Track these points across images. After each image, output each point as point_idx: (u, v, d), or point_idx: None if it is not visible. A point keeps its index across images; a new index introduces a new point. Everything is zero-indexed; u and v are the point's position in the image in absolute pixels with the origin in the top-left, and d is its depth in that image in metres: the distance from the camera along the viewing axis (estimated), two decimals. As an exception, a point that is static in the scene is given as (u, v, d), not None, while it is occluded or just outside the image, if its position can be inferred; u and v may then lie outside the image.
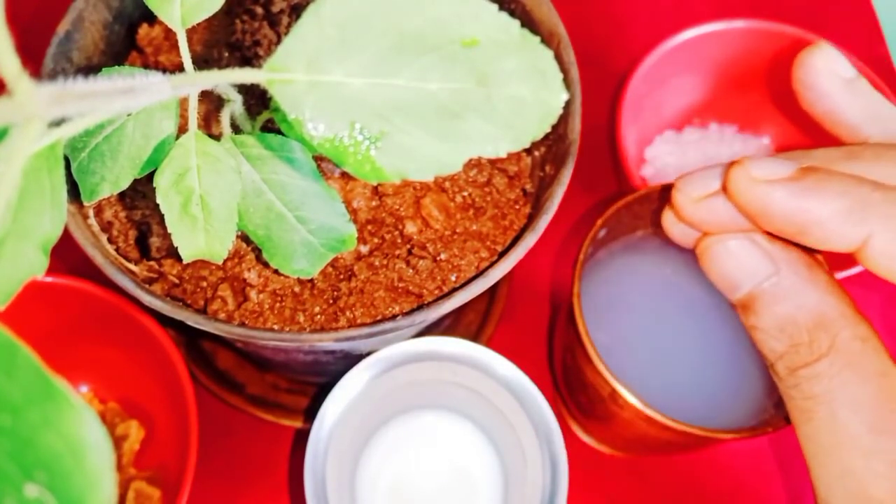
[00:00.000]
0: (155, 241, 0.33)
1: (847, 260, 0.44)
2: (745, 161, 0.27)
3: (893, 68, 0.57)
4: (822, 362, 0.27)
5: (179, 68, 0.35)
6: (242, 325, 0.31)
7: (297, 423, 0.44)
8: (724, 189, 0.28)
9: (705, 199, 0.29)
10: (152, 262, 0.33)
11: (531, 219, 0.34)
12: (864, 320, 0.27)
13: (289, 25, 0.37)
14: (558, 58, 0.28)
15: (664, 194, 0.37)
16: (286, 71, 0.21)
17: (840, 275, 0.42)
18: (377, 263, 0.32)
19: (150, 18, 0.37)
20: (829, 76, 0.31)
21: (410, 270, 0.32)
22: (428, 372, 0.37)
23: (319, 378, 0.44)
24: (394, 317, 0.31)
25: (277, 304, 0.32)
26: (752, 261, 0.28)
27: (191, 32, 0.36)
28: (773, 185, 0.26)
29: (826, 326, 0.27)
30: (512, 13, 0.32)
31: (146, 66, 0.37)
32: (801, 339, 0.27)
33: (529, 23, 0.35)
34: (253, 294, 0.32)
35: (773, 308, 0.27)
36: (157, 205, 0.28)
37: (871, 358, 0.26)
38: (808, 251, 0.29)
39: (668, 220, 0.31)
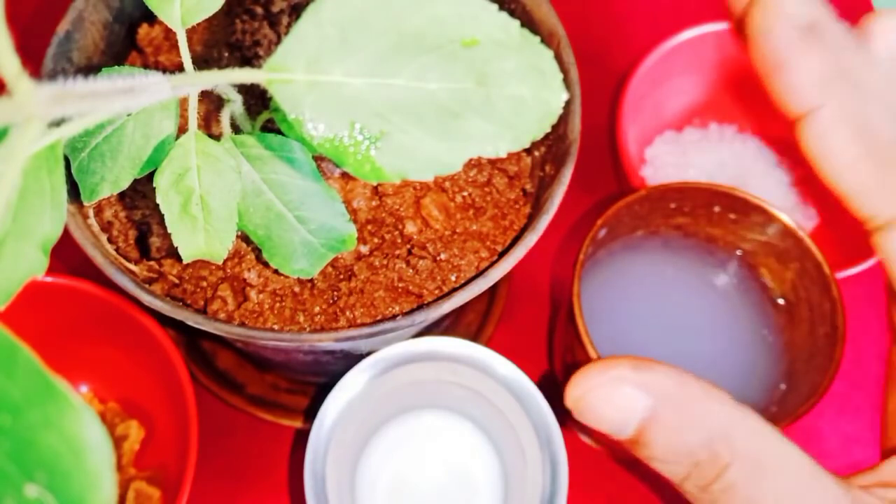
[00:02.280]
0: (155, 241, 0.33)
1: (848, 259, 0.43)
2: None
3: (893, 68, 0.57)
4: (730, 471, 0.27)
5: (179, 68, 0.35)
6: (242, 325, 0.31)
7: (297, 423, 0.44)
8: None
9: None
10: (152, 262, 0.33)
11: (531, 219, 0.34)
12: (750, 411, 0.28)
13: (289, 25, 0.37)
14: (558, 58, 0.28)
15: (664, 195, 0.37)
16: (286, 71, 0.21)
17: (842, 274, 0.42)
18: (377, 263, 0.32)
19: (150, 18, 0.37)
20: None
21: (410, 270, 0.32)
22: (428, 372, 0.37)
23: (319, 378, 0.44)
24: (394, 317, 0.31)
25: (277, 304, 0.32)
26: (626, 400, 0.28)
27: (191, 32, 0.36)
28: (785, 20, 0.27)
29: (718, 437, 0.27)
30: (512, 13, 0.32)
31: (146, 66, 0.37)
32: (700, 458, 0.27)
33: (529, 23, 0.35)
34: (253, 294, 0.32)
35: (663, 438, 0.28)
36: (157, 205, 0.28)
37: (771, 450, 0.27)
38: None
39: None
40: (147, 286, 0.31)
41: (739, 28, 0.29)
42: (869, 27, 0.31)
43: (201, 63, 0.37)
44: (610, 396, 0.28)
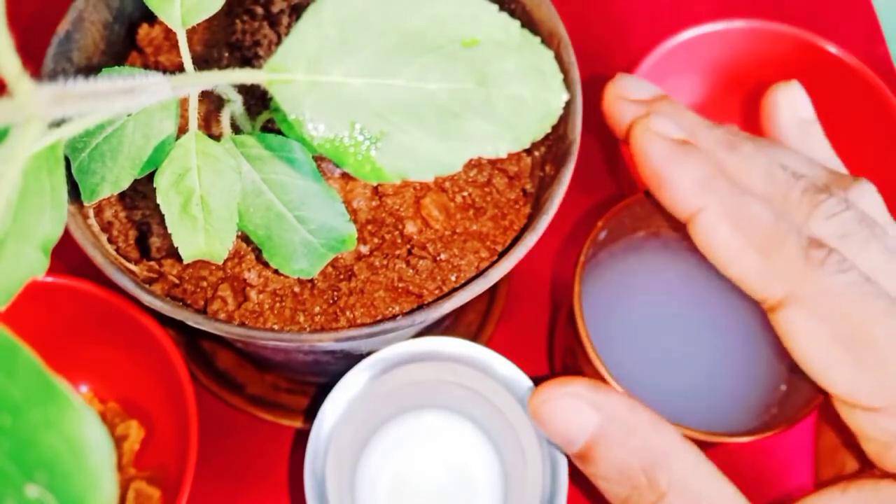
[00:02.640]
0: (155, 241, 0.33)
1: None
2: (653, 114, 0.31)
3: (893, 68, 0.57)
4: (666, 500, 0.29)
5: (179, 68, 0.35)
6: (242, 325, 0.31)
7: (297, 423, 0.44)
8: (630, 124, 0.32)
9: (624, 103, 0.33)
10: (152, 262, 0.33)
11: (531, 219, 0.34)
12: (691, 446, 0.30)
13: (289, 25, 0.37)
14: (558, 58, 0.28)
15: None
16: (286, 71, 0.21)
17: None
18: (377, 263, 0.32)
19: (150, 18, 0.37)
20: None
21: (410, 270, 0.32)
22: (428, 372, 0.37)
23: (319, 378, 0.44)
24: (394, 317, 0.31)
25: (277, 304, 0.32)
26: (578, 414, 0.30)
27: (191, 32, 0.36)
28: (658, 141, 0.31)
29: (658, 465, 0.29)
30: (512, 13, 0.32)
31: (146, 66, 0.37)
32: (640, 482, 0.29)
33: (529, 23, 0.35)
34: (253, 294, 0.32)
35: (608, 456, 0.30)
36: (157, 205, 0.28)
37: (706, 484, 0.29)
38: None
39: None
40: (147, 286, 0.31)
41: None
42: (772, 100, 0.36)
43: (201, 63, 0.37)
44: (564, 409, 0.31)
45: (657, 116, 0.31)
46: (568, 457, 0.33)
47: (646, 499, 0.29)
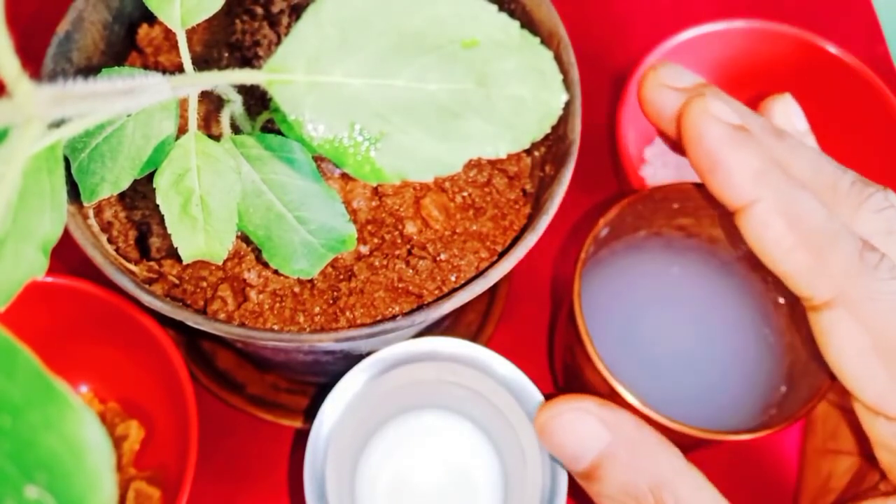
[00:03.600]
0: (155, 242, 0.33)
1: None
2: (710, 96, 0.30)
3: (893, 68, 0.57)
4: None
5: (179, 69, 0.35)
6: (242, 325, 0.31)
7: (297, 423, 0.44)
8: (684, 104, 0.30)
9: (666, 89, 0.31)
10: (152, 263, 0.33)
11: (531, 219, 0.34)
12: (695, 469, 0.30)
13: (289, 25, 0.37)
14: (558, 58, 0.28)
15: (667, 195, 0.37)
16: (286, 71, 0.21)
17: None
18: (377, 264, 0.32)
19: (150, 19, 0.37)
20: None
21: (410, 271, 0.32)
22: (428, 372, 0.37)
23: (319, 378, 0.44)
24: (394, 317, 0.31)
25: (277, 305, 0.32)
26: (588, 431, 0.30)
27: (191, 33, 0.36)
28: (716, 123, 0.29)
29: (666, 485, 0.29)
30: (512, 13, 0.32)
31: (146, 66, 0.37)
32: (646, 501, 0.29)
33: (529, 23, 0.35)
34: (253, 294, 0.32)
35: (614, 475, 0.29)
36: (157, 205, 0.28)
37: (713, 502, 0.29)
38: None
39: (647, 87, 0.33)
40: (147, 286, 0.31)
41: (670, 139, 0.32)
42: (767, 113, 0.35)
43: (201, 63, 0.37)
44: (573, 425, 0.30)
45: (714, 99, 0.30)
46: (569, 475, 0.33)
47: None
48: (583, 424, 0.30)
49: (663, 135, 0.33)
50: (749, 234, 0.30)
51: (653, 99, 0.32)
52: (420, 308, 0.31)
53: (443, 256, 0.33)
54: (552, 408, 0.31)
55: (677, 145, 0.31)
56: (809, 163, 0.31)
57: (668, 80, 0.32)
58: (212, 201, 0.28)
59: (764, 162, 0.29)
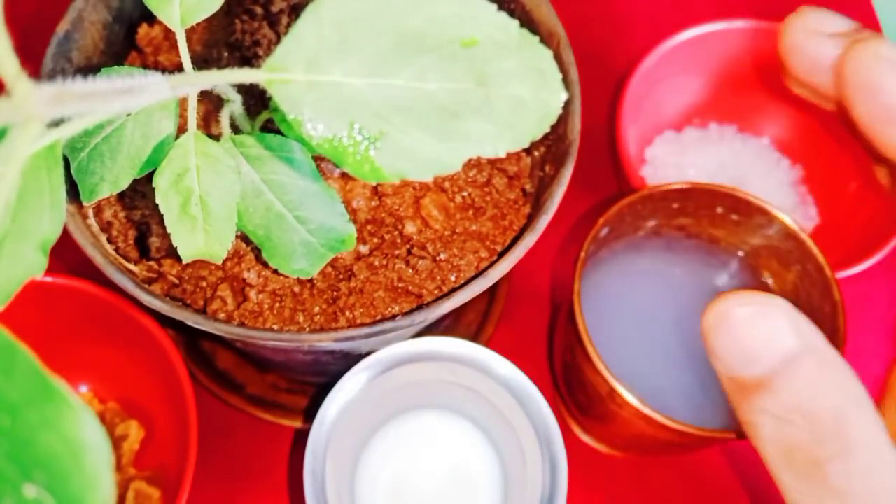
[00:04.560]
0: (154, 241, 0.33)
1: (848, 259, 0.43)
2: (876, 39, 0.26)
3: (893, 68, 0.57)
4: (852, 455, 0.24)
5: (179, 68, 0.35)
6: (242, 325, 0.31)
7: (297, 423, 0.44)
8: (847, 50, 0.26)
9: (819, 37, 0.28)
10: (152, 262, 0.33)
11: (531, 219, 0.34)
12: (875, 407, 0.25)
13: (288, 25, 0.37)
14: (558, 58, 0.28)
15: (667, 195, 0.37)
16: (285, 71, 0.21)
17: (842, 274, 0.42)
18: (377, 263, 0.32)
19: (150, 18, 0.37)
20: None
21: (410, 270, 0.32)
22: (428, 372, 0.37)
23: (319, 378, 0.44)
24: (393, 317, 0.31)
25: (277, 304, 0.32)
26: (775, 331, 0.25)
27: (190, 32, 0.36)
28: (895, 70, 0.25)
29: (852, 414, 0.24)
30: (511, 13, 0.32)
31: (146, 66, 0.37)
32: (824, 426, 0.24)
33: (529, 23, 0.35)
34: (252, 294, 0.32)
35: (794, 387, 0.24)
36: (157, 205, 0.28)
37: (890, 452, 0.24)
38: None
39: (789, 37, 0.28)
40: (147, 286, 0.31)
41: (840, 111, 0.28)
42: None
43: (201, 63, 0.37)
44: (758, 322, 0.25)
45: (885, 43, 0.26)
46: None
47: (827, 449, 0.24)
48: (773, 321, 0.25)
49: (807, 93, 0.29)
50: None
51: (803, 47, 0.28)
52: (420, 308, 0.31)
53: (442, 256, 0.32)
54: (736, 298, 0.26)
55: (837, 106, 0.28)
56: None
57: (817, 25, 0.28)
58: (211, 201, 0.28)
59: None
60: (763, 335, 0.25)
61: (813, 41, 0.28)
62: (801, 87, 0.29)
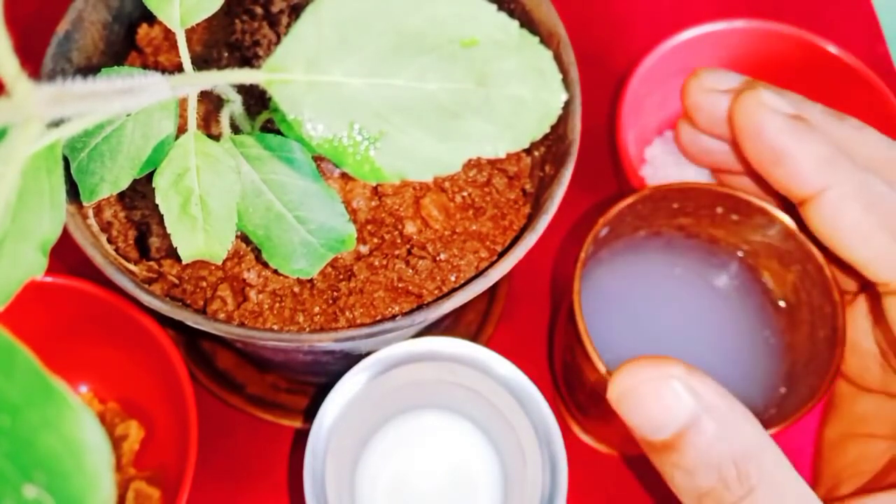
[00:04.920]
0: (154, 242, 0.33)
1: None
2: (760, 89, 0.29)
3: (893, 68, 0.57)
4: (756, 495, 0.26)
5: (179, 68, 0.35)
6: (242, 325, 0.31)
7: (297, 423, 0.44)
8: (734, 100, 0.29)
9: (714, 93, 0.31)
10: (152, 263, 0.33)
11: (531, 219, 0.34)
12: (773, 442, 0.28)
13: (288, 25, 0.37)
14: (558, 58, 0.28)
15: (667, 195, 0.37)
16: (285, 71, 0.21)
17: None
18: (377, 263, 0.32)
19: (150, 18, 0.37)
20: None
21: (410, 270, 0.32)
22: (428, 372, 0.37)
23: (319, 378, 0.44)
24: (393, 317, 0.31)
25: (277, 305, 0.32)
26: (674, 399, 0.27)
27: (190, 32, 0.36)
28: (774, 116, 0.28)
29: (751, 458, 0.26)
30: (511, 13, 0.32)
31: (146, 66, 0.37)
32: (728, 475, 0.26)
33: (529, 23, 0.35)
34: (252, 294, 0.32)
35: (697, 445, 0.27)
36: (157, 205, 0.28)
37: (792, 482, 0.27)
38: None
39: (684, 128, 0.33)
40: (146, 286, 0.31)
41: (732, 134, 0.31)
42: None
43: (201, 63, 0.37)
44: (660, 393, 0.27)
45: (767, 91, 0.29)
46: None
47: (732, 493, 0.26)
48: (669, 392, 0.27)
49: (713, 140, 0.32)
50: (820, 224, 0.29)
51: (701, 105, 0.31)
52: (420, 308, 0.31)
53: (442, 256, 0.32)
54: (635, 372, 0.28)
55: (737, 148, 0.31)
56: (873, 144, 0.30)
57: (713, 84, 0.31)
58: (211, 201, 0.28)
59: (829, 148, 0.28)
60: (663, 405, 0.27)
61: (710, 98, 0.31)
62: (709, 142, 0.33)
